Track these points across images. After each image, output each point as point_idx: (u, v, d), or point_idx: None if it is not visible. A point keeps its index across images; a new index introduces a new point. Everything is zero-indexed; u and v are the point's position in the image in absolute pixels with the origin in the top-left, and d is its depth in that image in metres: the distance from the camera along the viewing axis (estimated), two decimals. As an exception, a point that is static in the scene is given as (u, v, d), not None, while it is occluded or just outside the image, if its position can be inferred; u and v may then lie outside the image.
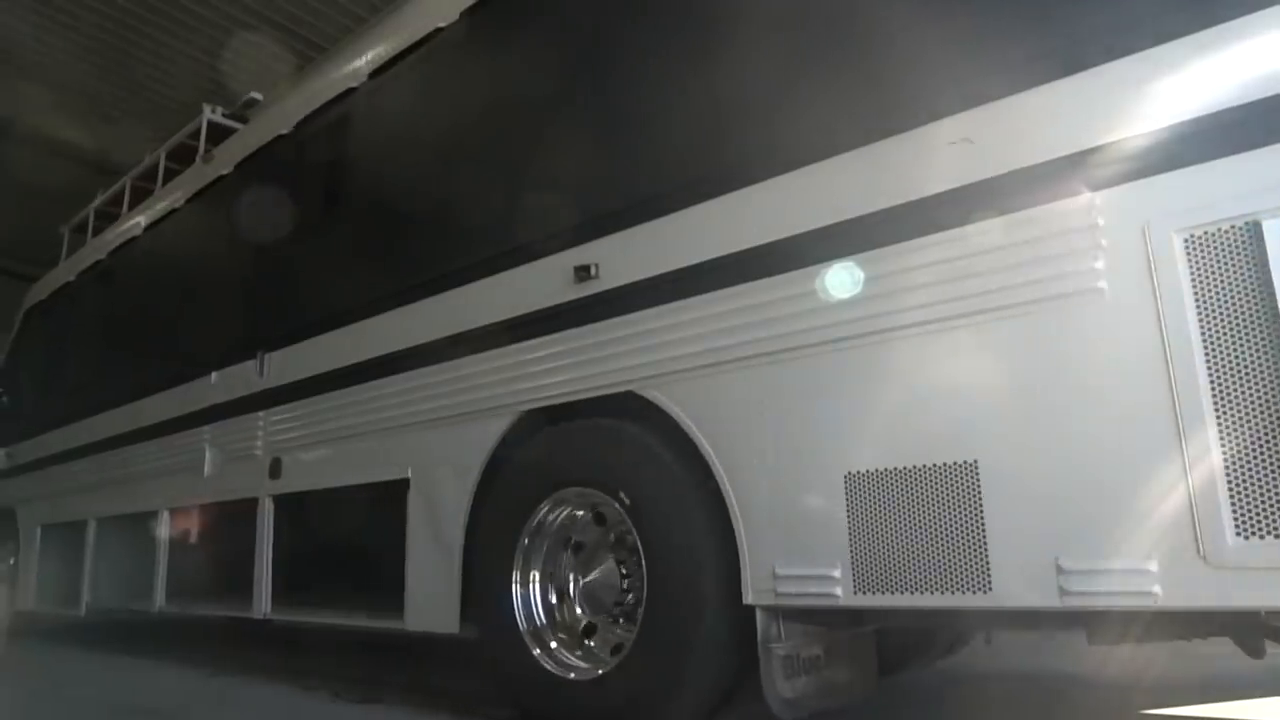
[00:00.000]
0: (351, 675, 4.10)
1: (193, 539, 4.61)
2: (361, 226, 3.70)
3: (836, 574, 2.10)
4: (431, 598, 3.07)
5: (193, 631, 5.47)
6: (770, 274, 2.27)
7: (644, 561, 2.44)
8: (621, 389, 2.59)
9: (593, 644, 2.70)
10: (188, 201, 5.11)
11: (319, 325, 3.80)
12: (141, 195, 6.11)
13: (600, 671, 2.52)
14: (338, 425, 3.59)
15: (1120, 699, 3.22)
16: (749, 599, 2.24)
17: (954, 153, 2.01)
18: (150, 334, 5.26)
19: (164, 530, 4.74)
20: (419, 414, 3.22)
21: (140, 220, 5.66)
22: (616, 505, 2.54)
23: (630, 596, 2.63)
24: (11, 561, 6.61)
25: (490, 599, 2.83)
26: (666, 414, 2.47)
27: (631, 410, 2.59)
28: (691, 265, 2.46)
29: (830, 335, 2.16)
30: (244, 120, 5.45)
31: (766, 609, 2.25)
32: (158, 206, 5.50)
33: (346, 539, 4.79)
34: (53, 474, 6.11)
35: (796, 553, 2.18)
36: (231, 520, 4.92)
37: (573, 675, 2.60)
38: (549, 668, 2.64)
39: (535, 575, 2.81)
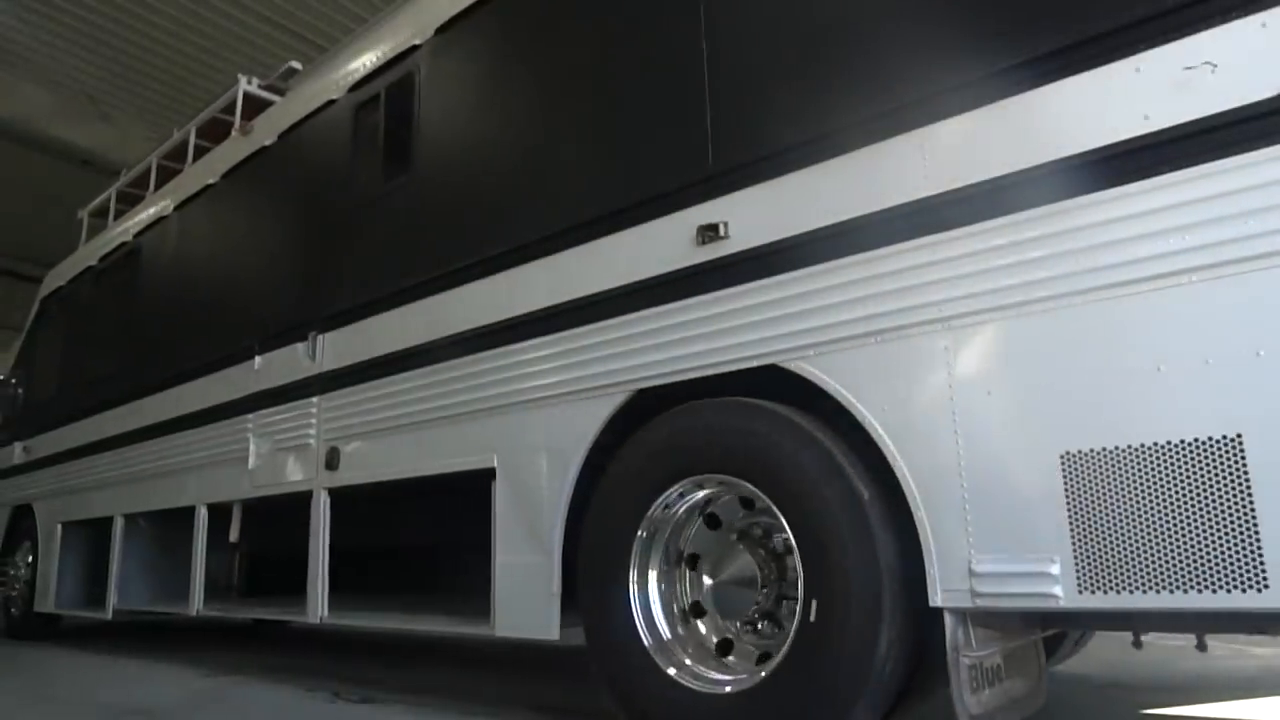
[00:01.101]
0: (351, 675, 4.10)
1: (234, 536, 4.28)
2: (436, 190, 3.37)
3: (1054, 570, 1.79)
4: (525, 601, 2.75)
5: (192, 631, 5.21)
6: (971, 221, 1.95)
7: (799, 560, 2.12)
8: (762, 362, 2.28)
9: (731, 658, 2.37)
10: (224, 176, 4.79)
11: (383, 302, 3.47)
12: (169, 174, 5.78)
13: (746, 686, 2.20)
14: (407, 411, 3.27)
15: (1120, 698, 3.15)
16: (937, 600, 1.93)
17: (1209, 78, 1.70)
18: (184, 318, 4.92)
19: (201, 527, 4.41)
20: (507, 396, 2.90)
21: (170, 199, 5.33)
22: (760, 495, 2.22)
23: (770, 597, 2.31)
24: (30, 559, 6.27)
25: (601, 603, 2.50)
26: (821, 390, 2.16)
27: (774, 386, 2.28)
28: (856, 218, 2.14)
29: (1045, 292, 1.84)
30: (281, 92, 5.13)
31: (957, 612, 1.93)
32: (189, 184, 5.17)
33: (416, 535, 4.50)
34: (74, 468, 5.78)
35: (999, 547, 1.86)
36: (281, 516, 4.62)
37: (712, 690, 2.27)
38: (687, 683, 2.31)
39: (653, 575, 2.49)
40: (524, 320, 2.88)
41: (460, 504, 4.38)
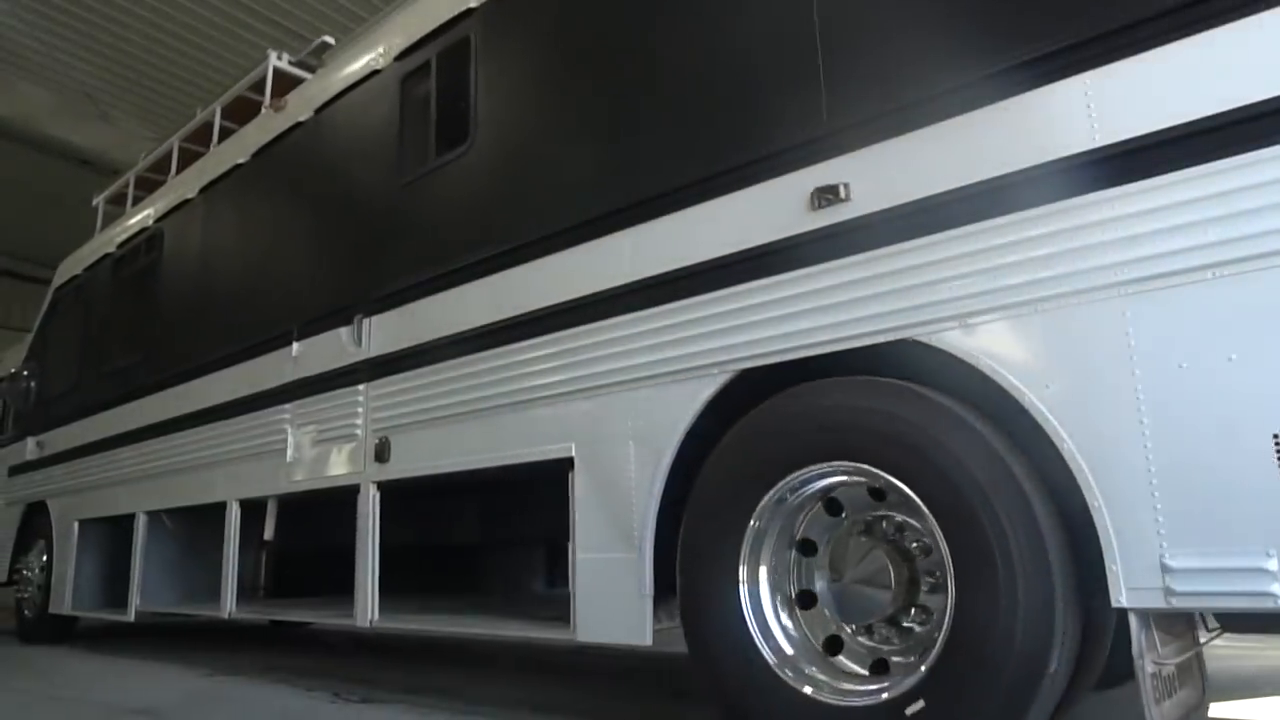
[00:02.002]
0: (351, 675, 4.09)
1: (270, 534, 4.04)
2: (500, 160, 3.14)
3: (1271, 566, 1.55)
4: (612, 603, 2.51)
5: (193, 631, 5.05)
6: (1154, 174, 1.72)
7: (949, 561, 1.88)
8: (895, 336, 2.04)
9: (841, 658, 2.14)
10: (255, 155, 4.54)
11: (440, 281, 3.23)
12: (190, 158, 5.54)
13: (883, 697, 1.96)
14: (470, 398, 3.03)
15: (1119, 698, 3.10)
16: (1120, 600, 1.69)
17: None
18: (212, 305, 4.68)
19: (233, 525, 4.17)
20: (588, 379, 2.66)
21: (194, 182, 5.09)
22: (899, 486, 1.98)
23: (899, 600, 2.07)
24: (44, 559, 6.02)
25: (706, 601, 2.27)
26: (969, 365, 1.92)
27: (909, 362, 2.05)
28: (1010, 174, 1.90)
29: (1253, 249, 1.61)
30: (312, 69, 4.90)
31: (1144, 613, 1.70)
32: (215, 165, 4.93)
33: (479, 531, 4.27)
34: (92, 464, 5.53)
35: (1199, 540, 1.63)
36: (323, 511, 4.37)
37: (838, 701, 2.03)
38: (821, 697, 2.07)
39: (763, 573, 2.25)
40: (606, 297, 2.64)
41: (506, 500, 4.17)
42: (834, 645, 2.17)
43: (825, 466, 2.12)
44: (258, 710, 3.29)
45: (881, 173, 2.13)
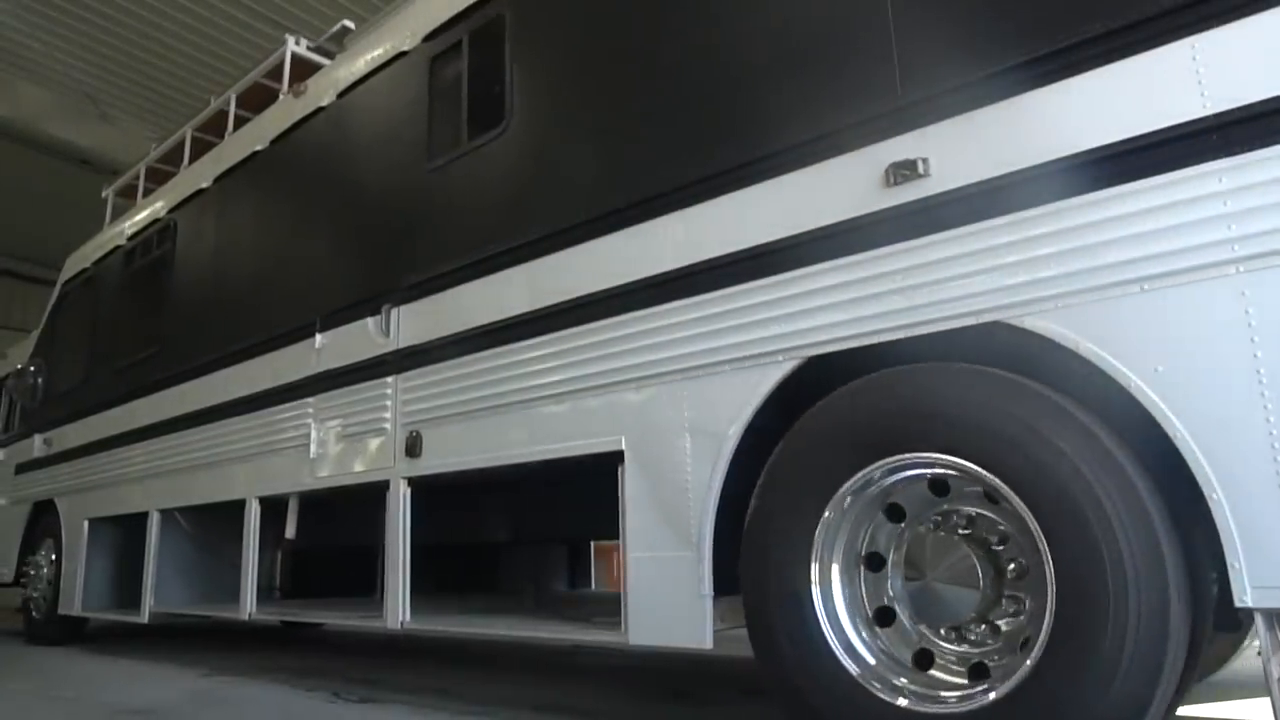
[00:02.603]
0: (351, 675, 4.10)
1: (291, 532, 3.91)
2: (540, 142, 3.01)
3: None
4: (667, 603, 2.38)
5: (192, 632, 4.99)
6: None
7: (1048, 554, 1.76)
8: (982, 319, 1.92)
9: (935, 672, 2.01)
10: (274, 142, 4.41)
11: (474, 268, 3.11)
12: (204, 147, 5.41)
13: (990, 698, 1.83)
14: (509, 389, 2.91)
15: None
16: (1246, 599, 1.57)
17: None
18: (229, 296, 4.55)
19: (253, 523, 4.04)
20: (639, 369, 2.54)
21: (210, 170, 4.96)
22: (987, 476, 1.86)
23: (989, 599, 1.95)
24: (53, 559, 5.89)
25: (773, 607, 2.14)
26: (1065, 349, 1.80)
27: (994, 347, 1.92)
28: (1109, 146, 1.78)
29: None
30: (331, 55, 4.77)
31: (1271, 613, 1.58)
32: (232, 153, 4.80)
33: (518, 528, 4.15)
34: (103, 461, 5.39)
35: (1336, 535, 1.51)
36: (349, 509, 4.25)
37: (941, 710, 1.90)
38: (922, 708, 1.94)
39: (836, 571, 2.12)
40: (659, 282, 2.51)
41: (526, 497, 4.04)
42: (924, 659, 2.04)
43: (901, 460, 1.99)
44: (258, 710, 3.27)
45: (964, 146, 2.00)
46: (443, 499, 4.07)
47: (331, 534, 4.38)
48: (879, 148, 2.13)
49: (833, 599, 2.10)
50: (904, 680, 1.97)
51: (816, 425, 2.14)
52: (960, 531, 2.02)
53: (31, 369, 6.57)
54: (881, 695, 1.95)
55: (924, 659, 2.02)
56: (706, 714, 3.13)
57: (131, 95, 10.41)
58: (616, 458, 2.57)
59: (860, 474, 2.04)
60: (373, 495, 3.60)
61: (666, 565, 2.40)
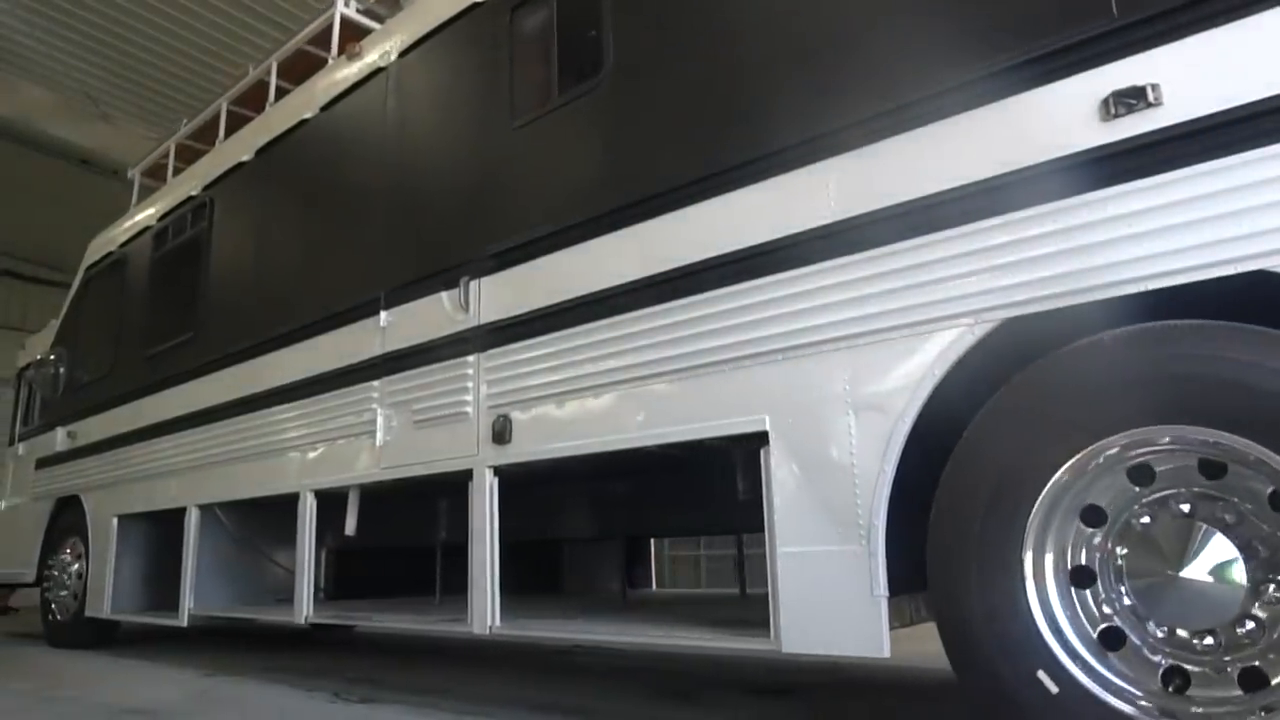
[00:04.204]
0: (351, 675, 4.10)
1: (351, 529, 3.60)
2: (641, 88, 2.68)
3: None
4: (830, 606, 2.07)
5: (192, 632, 4.90)
6: None
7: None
8: (1243, 268, 1.61)
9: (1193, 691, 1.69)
10: (326, 108, 4.10)
11: (571, 234, 2.79)
12: (239, 121, 5.10)
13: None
14: (617, 365, 2.59)
15: None
16: None
17: None
18: (275, 275, 4.24)
19: (308, 518, 3.72)
20: (785, 338, 2.23)
21: (250, 142, 4.64)
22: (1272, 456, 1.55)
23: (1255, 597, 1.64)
24: (78, 559, 5.57)
25: (973, 608, 1.83)
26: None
27: (1250, 302, 1.62)
28: None
29: None
30: (380, 18, 4.47)
31: None
32: (275, 123, 4.48)
33: (629, 521, 3.84)
34: (134, 454, 5.07)
35: None
36: (423, 502, 3.99)
37: None
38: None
39: (1048, 573, 1.82)
40: (815, 237, 2.20)
41: (585, 490, 3.72)
42: (1175, 677, 1.72)
43: (1153, 431, 1.68)
44: (258, 710, 3.25)
45: (1205, 70, 1.69)
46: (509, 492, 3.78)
47: (381, 531, 4.07)
48: (1096, 75, 1.82)
49: (1048, 597, 1.79)
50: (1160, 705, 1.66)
51: (1029, 395, 1.82)
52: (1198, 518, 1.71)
53: (53, 359, 6.25)
54: (1122, 707, 1.64)
55: (1175, 677, 1.70)
56: (706, 714, 3.07)
57: (131, 95, 10.42)
58: (759, 439, 2.26)
59: (1066, 467, 1.73)
60: (445, 487, 3.31)
61: (828, 562, 2.09)
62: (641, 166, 2.65)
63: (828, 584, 2.08)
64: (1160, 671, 1.70)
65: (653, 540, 5.30)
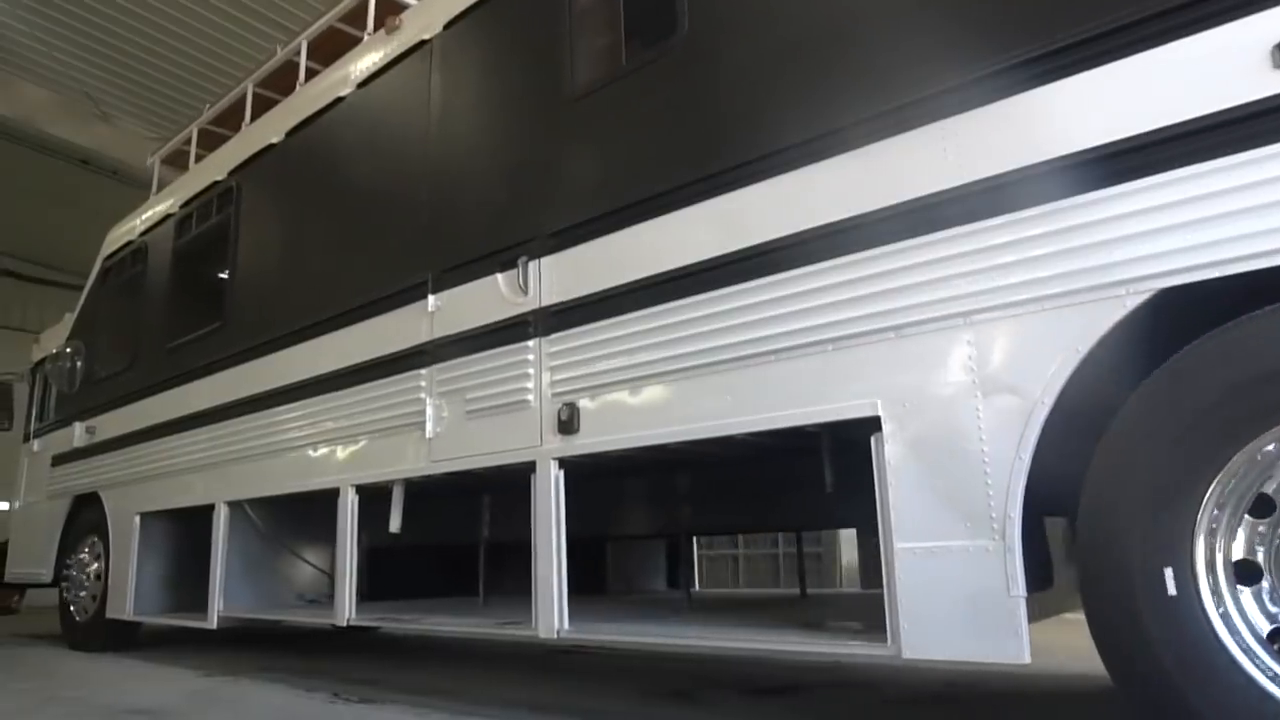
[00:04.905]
0: (351, 675, 4.10)
1: (396, 526, 3.41)
2: (726, 49, 2.49)
3: None
4: (959, 607, 1.88)
5: (189, 631, 4.76)
6: None
7: None
8: None
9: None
10: (362, 85, 3.91)
11: (642, 209, 2.61)
12: (266, 104, 4.91)
13: None
14: (698, 349, 2.40)
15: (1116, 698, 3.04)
16: None
17: None
18: (310, 259, 4.05)
19: (350, 515, 3.53)
20: (899, 314, 2.04)
21: (279, 124, 4.45)
22: None
23: None
24: (98, 558, 5.39)
25: (1136, 607, 1.64)
26: None
27: None
28: None
29: None
30: (417, -7, 4.27)
31: None
32: (307, 104, 4.29)
33: (691, 518, 3.67)
34: (157, 449, 4.89)
35: None
36: (477, 496, 3.85)
37: None
38: None
39: (1219, 569, 1.63)
40: (933, 204, 2.01)
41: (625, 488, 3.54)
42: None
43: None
44: (257, 710, 3.24)
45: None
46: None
47: (420, 529, 3.88)
48: (1258, 20, 1.63)
49: (1220, 591, 1.60)
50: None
51: (1223, 359, 1.62)
52: None
53: (69, 352, 6.06)
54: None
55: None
56: (706, 714, 3.05)
57: (131, 95, 10.41)
58: (870, 425, 2.07)
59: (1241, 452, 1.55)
60: (490, 483, 3.12)
61: (955, 559, 1.90)
62: (724, 135, 2.46)
63: (955, 583, 1.90)
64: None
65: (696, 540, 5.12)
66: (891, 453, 2.03)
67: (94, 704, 3.43)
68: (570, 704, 3.24)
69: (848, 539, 10.85)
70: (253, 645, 5.47)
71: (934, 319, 1.99)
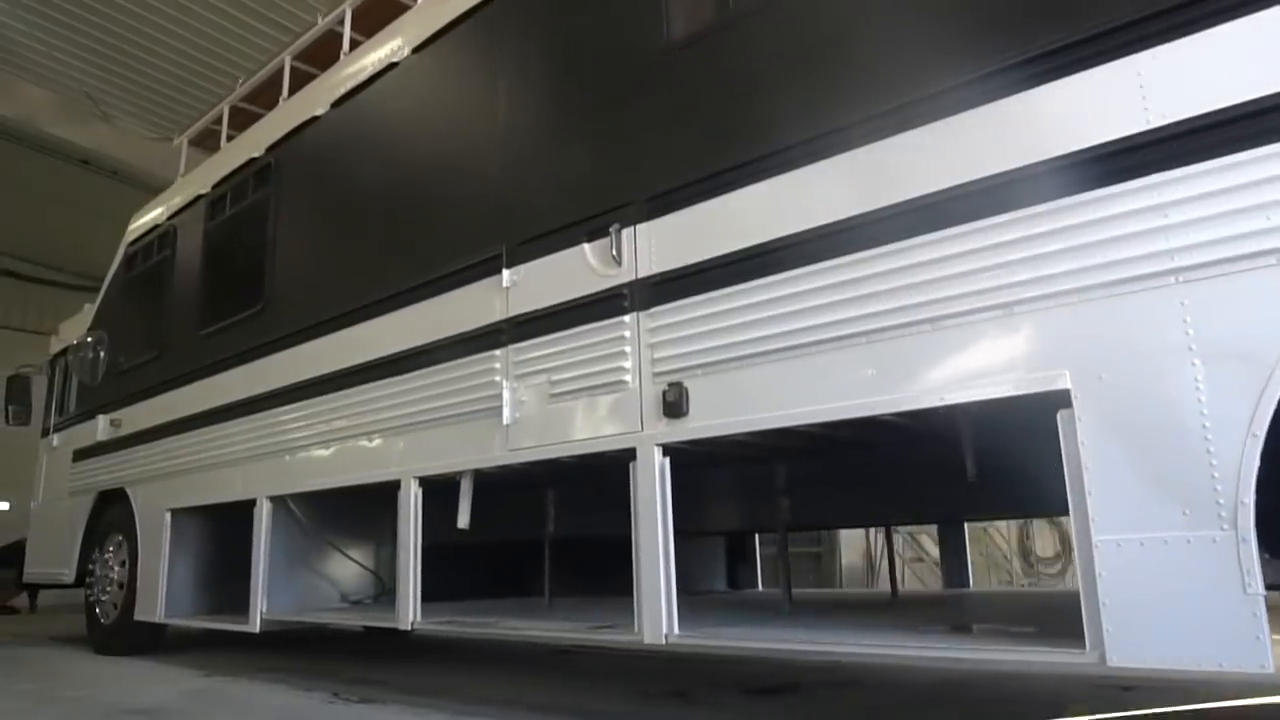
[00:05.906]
0: (351, 675, 4.10)
1: (464, 521, 3.17)
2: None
3: None
4: (1179, 608, 1.63)
5: (190, 631, 4.89)
6: None
7: None
8: None
9: None
10: (418, 49, 3.66)
11: (760, 166, 2.36)
12: (304, 78, 4.66)
13: None
14: (841, 318, 2.15)
15: (1121, 696, 3.01)
16: None
17: None
18: (361, 235, 3.79)
19: (412, 509, 3.27)
20: (1089, 273, 1.79)
21: (324, 96, 4.20)
22: None
23: None
24: (124, 557, 5.13)
25: None
26: None
27: None
28: None
29: None
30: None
31: None
32: (353, 74, 4.04)
33: (794, 510, 3.41)
34: (189, 442, 4.63)
35: None
36: (563, 489, 3.64)
37: None
38: None
39: None
40: (1127, 147, 1.76)
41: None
42: None
43: None
44: (257, 710, 3.25)
45: None
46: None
47: (484, 525, 3.63)
48: None
49: None
50: None
51: None
52: None
53: (92, 342, 5.80)
54: None
55: None
56: (706, 714, 3.05)
57: (131, 95, 10.37)
58: (1057, 401, 1.82)
59: None
60: (559, 476, 2.87)
61: (1173, 552, 1.65)
62: (863, 80, 2.21)
63: (1174, 580, 1.65)
64: None
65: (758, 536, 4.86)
66: (1086, 431, 1.77)
67: (95, 703, 3.42)
68: (570, 704, 3.24)
69: (848, 539, 10.58)
70: (253, 645, 5.34)
71: (1136, 278, 1.74)
